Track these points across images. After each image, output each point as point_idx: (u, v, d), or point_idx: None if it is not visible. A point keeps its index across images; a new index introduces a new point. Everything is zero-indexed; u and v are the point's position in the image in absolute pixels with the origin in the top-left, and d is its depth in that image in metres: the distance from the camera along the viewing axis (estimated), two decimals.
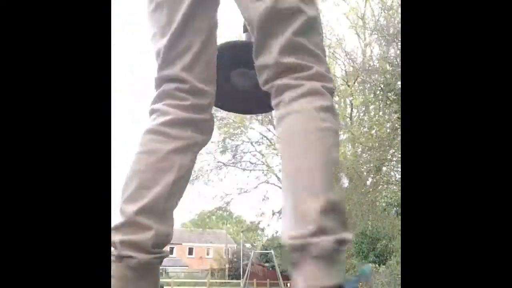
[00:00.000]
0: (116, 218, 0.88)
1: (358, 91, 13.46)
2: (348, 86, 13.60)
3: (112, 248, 0.86)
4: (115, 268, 0.84)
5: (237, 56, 1.22)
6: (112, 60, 0.75)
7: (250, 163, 17.54)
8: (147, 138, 0.93)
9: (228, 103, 1.33)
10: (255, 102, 1.29)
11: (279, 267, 23.15)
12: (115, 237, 0.85)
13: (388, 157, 11.51)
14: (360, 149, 12.85)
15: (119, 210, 0.88)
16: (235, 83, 1.26)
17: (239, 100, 1.33)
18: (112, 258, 0.85)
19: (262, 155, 17.53)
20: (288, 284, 23.56)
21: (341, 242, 0.75)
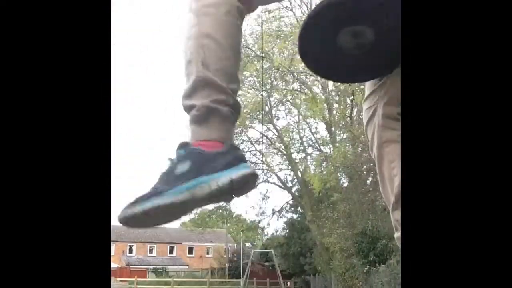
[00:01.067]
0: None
1: (358, 90, 13.45)
2: (349, 85, 13.58)
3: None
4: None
5: (343, 13, 0.97)
6: (112, 60, 0.75)
7: (250, 162, 17.51)
8: None
9: (333, 70, 1.12)
10: (363, 67, 1.09)
11: (279, 266, 23.14)
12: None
13: None
14: (360, 149, 12.84)
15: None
16: (343, 45, 1.03)
17: (346, 65, 1.10)
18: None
19: (262, 154, 17.52)
20: (288, 283, 23.57)
21: None
